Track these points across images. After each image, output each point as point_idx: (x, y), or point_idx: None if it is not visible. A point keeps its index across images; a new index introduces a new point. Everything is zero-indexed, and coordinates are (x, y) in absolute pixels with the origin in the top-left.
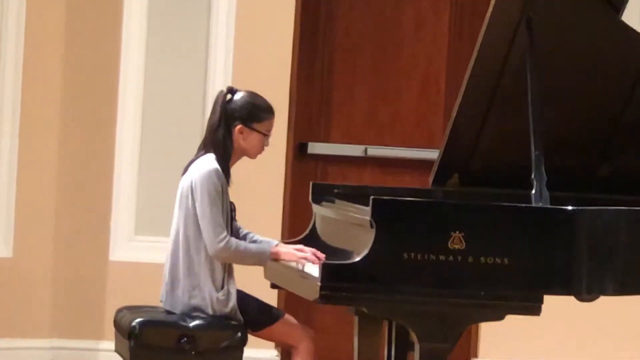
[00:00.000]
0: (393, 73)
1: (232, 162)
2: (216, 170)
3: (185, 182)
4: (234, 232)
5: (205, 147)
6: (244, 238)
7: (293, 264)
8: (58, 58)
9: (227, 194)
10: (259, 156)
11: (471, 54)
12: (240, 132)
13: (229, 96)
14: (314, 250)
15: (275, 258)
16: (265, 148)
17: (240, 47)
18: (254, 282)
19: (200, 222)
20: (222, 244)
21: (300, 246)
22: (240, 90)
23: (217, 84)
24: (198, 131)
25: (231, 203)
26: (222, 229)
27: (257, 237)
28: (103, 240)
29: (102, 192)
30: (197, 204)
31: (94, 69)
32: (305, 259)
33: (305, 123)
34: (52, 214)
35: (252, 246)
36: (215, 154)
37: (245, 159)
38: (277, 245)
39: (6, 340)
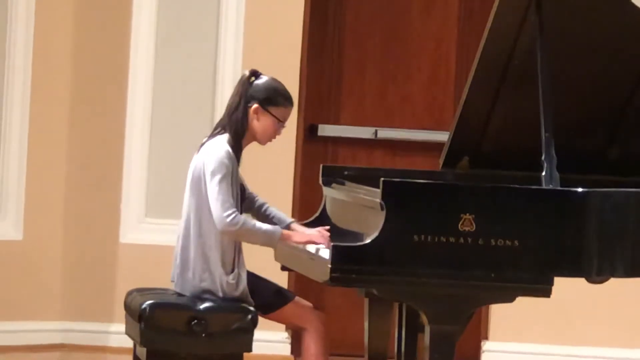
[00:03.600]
0: (403, 55)
1: (244, 144)
2: (227, 151)
3: (197, 163)
4: (249, 200)
5: (221, 127)
6: (259, 208)
7: (301, 246)
8: (68, 40)
9: (237, 175)
10: None
11: (481, 36)
12: (255, 112)
13: (252, 79)
14: (320, 229)
15: (287, 240)
16: (277, 137)
17: (251, 29)
18: (264, 264)
19: (209, 200)
20: (229, 218)
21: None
22: (264, 75)
23: (227, 66)
24: (208, 113)
25: (241, 184)
26: (230, 205)
27: (273, 210)
28: (113, 223)
29: (112, 175)
30: (207, 184)
31: (104, 50)
32: (312, 240)
33: (316, 105)
34: (62, 196)
35: (264, 225)
36: (229, 134)
37: (255, 143)
38: (291, 224)
39: (17, 322)
